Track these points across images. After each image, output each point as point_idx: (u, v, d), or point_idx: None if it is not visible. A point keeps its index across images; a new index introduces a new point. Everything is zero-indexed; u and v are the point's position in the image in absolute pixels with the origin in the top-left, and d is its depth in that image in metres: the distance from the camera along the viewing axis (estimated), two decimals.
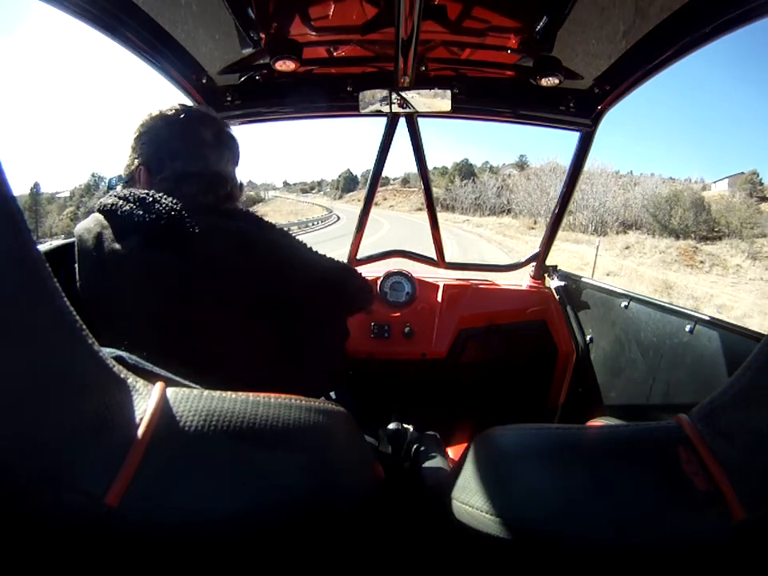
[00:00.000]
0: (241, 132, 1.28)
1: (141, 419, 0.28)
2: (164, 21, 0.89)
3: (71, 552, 0.26)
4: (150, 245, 0.59)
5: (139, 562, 0.27)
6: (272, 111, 1.32)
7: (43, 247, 0.76)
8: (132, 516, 0.26)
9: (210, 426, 0.29)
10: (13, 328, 0.24)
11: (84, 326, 0.27)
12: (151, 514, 0.27)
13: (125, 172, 0.72)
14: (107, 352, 0.29)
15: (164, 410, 0.29)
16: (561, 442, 0.35)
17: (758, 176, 25.49)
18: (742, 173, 28.25)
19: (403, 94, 1.24)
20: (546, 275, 1.66)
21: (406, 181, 50.06)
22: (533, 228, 24.90)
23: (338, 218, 30.33)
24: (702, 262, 15.56)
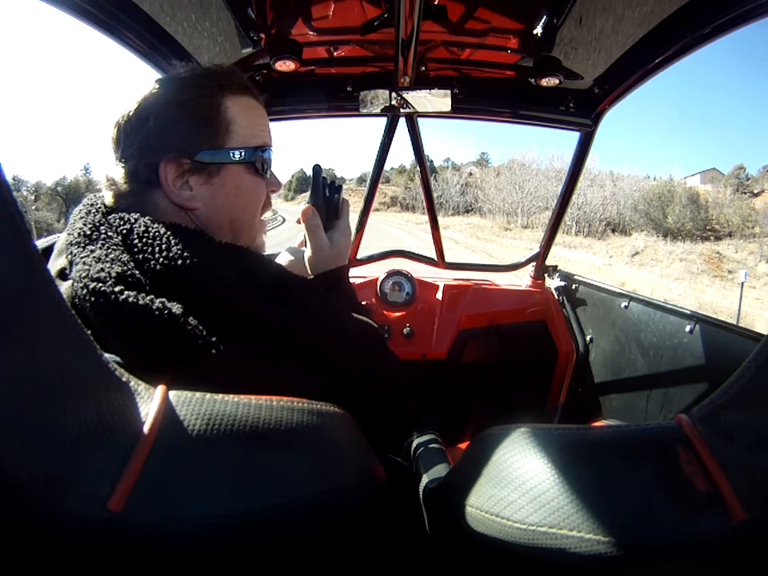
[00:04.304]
0: None
1: (143, 422, 0.28)
2: (164, 20, 0.89)
3: (73, 557, 0.26)
4: None
5: (142, 566, 0.27)
6: (272, 112, 1.32)
7: (40, 244, 0.75)
8: (135, 520, 0.26)
9: (213, 429, 0.29)
10: (13, 330, 0.24)
11: (85, 328, 0.27)
12: (154, 519, 0.27)
13: None
14: (108, 357, 0.29)
15: (166, 413, 0.29)
16: (561, 442, 0.35)
17: (744, 170, 24.76)
18: (714, 168, 28.02)
19: (403, 94, 1.24)
20: (546, 275, 1.67)
21: (362, 180, 47.62)
22: (508, 229, 22.96)
23: (284, 220, 27.42)
24: (730, 271, 13.45)
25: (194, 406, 0.30)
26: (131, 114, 0.51)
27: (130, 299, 0.40)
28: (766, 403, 0.29)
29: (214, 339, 0.41)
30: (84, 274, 0.41)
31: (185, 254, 0.44)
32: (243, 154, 0.54)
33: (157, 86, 0.53)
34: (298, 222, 0.68)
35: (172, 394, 0.30)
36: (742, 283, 7.35)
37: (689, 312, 1.09)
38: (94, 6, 0.78)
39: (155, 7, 0.85)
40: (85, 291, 0.40)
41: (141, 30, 0.89)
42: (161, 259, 0.44)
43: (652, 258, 14.88)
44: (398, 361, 0.61)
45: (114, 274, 0.41)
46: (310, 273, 0.68)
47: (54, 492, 0.25)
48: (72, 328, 0.26)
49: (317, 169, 0.69)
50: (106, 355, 0.29)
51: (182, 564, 0.28)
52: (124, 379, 0.29)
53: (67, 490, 0.25)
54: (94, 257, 0.43)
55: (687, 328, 1.06)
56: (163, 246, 0.44)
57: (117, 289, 0.40)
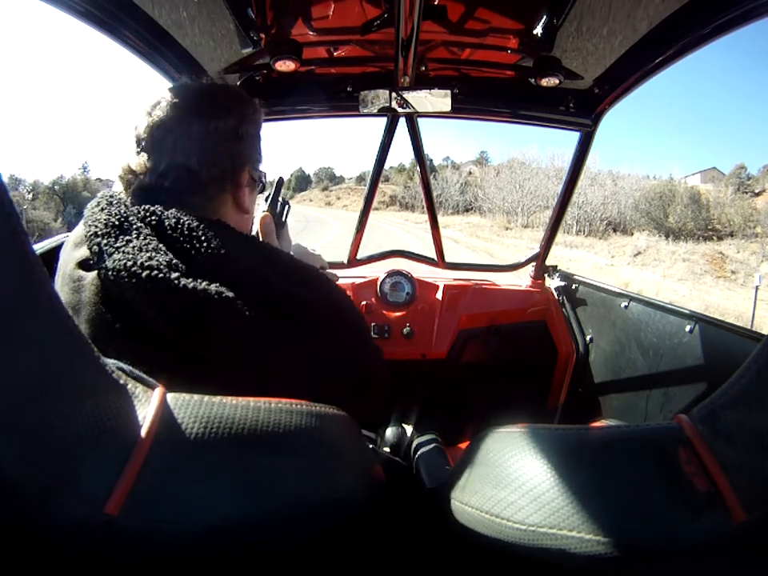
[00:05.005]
0: None
1: (141, 425, 0.28)
2: (164, 21, 0.89)
3: (70, 561, 0.26)
4: None
5: (140, 570, 0.27)
6: (272, 112, 1.32)
7: (38, 247, 0.75)
8: (132, 524, 0.26)
9: (211, 432, 0.29)
10: (11, 333, 0.23)
11: (81, 331, 0.27)
12: (151, 522, 0.26)
13: None
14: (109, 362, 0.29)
15: (164, 416, 0.29)
16: (561, 443, 0.35)
17: (745, 170, 24.27)
18: (714, 168, 28.00)
19: (403, 93, 1.24)
20: (546, 275, 1.67)
21: (361, 179, 46.92)
22: (508, 228, 22.53)
23: None
24: (733, 271, 13.04)
25: (192, 408, 0.30)
26: (224, 110, 0.56)
27: (190, 285, 0.41)
28: (766, 403, 0.29)
29: (265, 318, 0.45)
30: (130, 263, 0.42)
31: (222, 245, 0.47)
32: (264, 176, 0.65)
33: (236, 96, 0.61)
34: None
35: (170, 396, 0.30)
36: (756, 287, 6.96)
37: (689, 312, 1.09)
38: (93, 6, 0.78)
39: (155, 7, 0.85)
40: (135, 280, 0.41)
41: (141, 30, 0.89)
42: (201, 249, 0.46)
43: (654, 258, 14.54)
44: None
45: (164, 262, 0.42)
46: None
47: (51, 495, 0.24)
48: (69, 330, 0.26)
49: (280, 181, 0.77)
50: (106, 359, 0.29)
51: (180, 568, 0.28)
52: (121, 382, 0.29)
53: (64, 493, 0.25)
54: (133, 246, 0.44)
55: (687, 328, 1.06)
56: (202, 238, 0.47)
57: (173, 275, 0.41)
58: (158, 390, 0.30)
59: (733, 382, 0.31)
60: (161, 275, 0.41)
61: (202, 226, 0.48)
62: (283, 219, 0.76)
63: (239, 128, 0.57)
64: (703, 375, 1.01)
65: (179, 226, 0.47)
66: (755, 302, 6.97)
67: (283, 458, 0.32)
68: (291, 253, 0.80)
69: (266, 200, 0.73)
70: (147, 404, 0.29)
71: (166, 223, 0.47)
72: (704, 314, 1.06)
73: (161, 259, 0.42)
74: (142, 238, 0.45)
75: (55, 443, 0.25)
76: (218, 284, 0.43)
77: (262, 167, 0.64)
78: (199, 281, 0.42)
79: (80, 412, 0.26)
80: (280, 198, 0.75)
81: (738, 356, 0.92)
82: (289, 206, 0.78)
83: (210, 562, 0.28)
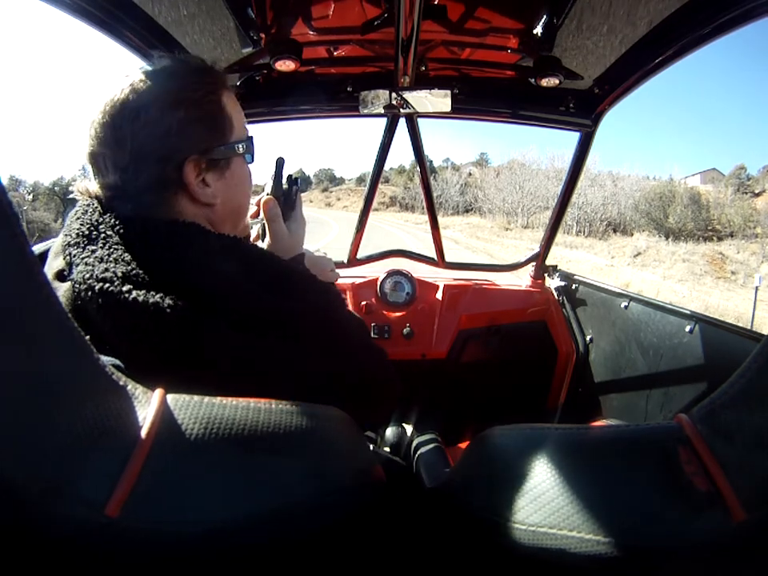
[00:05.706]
0: None
1: (141, 427, 0.28)
2: (163, 19, 0.89)
3: (70, 563, 0.26)
4: None
5: (140, 572, 0.27)
6: (272, 112, 1.32)
7: (38, 248, 0.75)
8: (133, 526, 0.26)
9: (211, 433, 0.29)
10: (10, 335, 0.23)
11: (82, 333, 0.27)
12: (152, 524, 0.26)
13: None
14: (106, 360, 0.29)
15: (164, 417, 0.29)
16: (561, 442, 0.35)
17: (745, 170, 24.22)
18: (714, 168, 28.07)
19: (403, 94, 1.24)
20: (546, 275, 1.67)
21: (361, 180, 46.16)
22: (508, 229, 22.47)
23: None
24: (733, 272, 12.97)
25: (192, 409, 0.30)
26: (134, 113, 0.47)
27: (140, 298, 0.40)
28: (765, 403, 0.29)
29: (222, 332, 0.42)
30: (88, 275, 0.41)
31: (186, 252, 0.45)
32: (243, 146, 0.56)
33: (158, 83, 0.50)
34: (253, 216, 0.68)
35: (170, 397, 0.30)
36: (756, 288, 6.86)
37: (689, 312, 1.09)
38: (93, 5, 0.78)
39: (155, 7, 0.85)
40: (90, 293, 0.40)
41: (141, 29, 0.89)
42: (163, 258, 0.44)
43: (654, 259, 14.39)
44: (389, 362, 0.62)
45: (120, 274, 0.41)
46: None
47: (51, 496, 0.24)
48: (68, 332, 0.26)
49: (280, 161, 0.69)
50: (104, 358, 0.29)
51: (180, 569, 0.28)
52: (121, 383, 0.29)
53: (64, 495, 0.25)
54: (96, 257, 0.43)
55: (687, 328, 1.06)
56: (165, 245, 0.45)
57: (125, 288, 0.40)
58: (158, 391, 0.30)
59: (733, 381, 0.31)
60: (111, 288, 0.40)
61: (167, 231, 0.45)
62: (293, 199, 0.69)
63: (159, 124, 0.48)
64: (703, 375, 1.01)
65: (144, 233, 0.45)
66: (755, 303, 6.97)
67: (283, 458, 0.32)
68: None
69: (272, 179, 0.67)
70: (147, 405, 0.29)
71: (133, 231, 0.45)
72: (704, 315, 1.06)
73: (117, 271, 0.41)
74: (107, 247, 0.43)
75: (55, 444, 0.25)
76: (174, 296, 0.41)
77: (232, 138, 0.54)
78: (153, 293, 0.40)
79: (80, 413, 0.26)
80: (285, 178, 0.69)
81: (738, 356, 0.92)
82: (298, 186, 0.70)
83: (210, 563, 0.28)
